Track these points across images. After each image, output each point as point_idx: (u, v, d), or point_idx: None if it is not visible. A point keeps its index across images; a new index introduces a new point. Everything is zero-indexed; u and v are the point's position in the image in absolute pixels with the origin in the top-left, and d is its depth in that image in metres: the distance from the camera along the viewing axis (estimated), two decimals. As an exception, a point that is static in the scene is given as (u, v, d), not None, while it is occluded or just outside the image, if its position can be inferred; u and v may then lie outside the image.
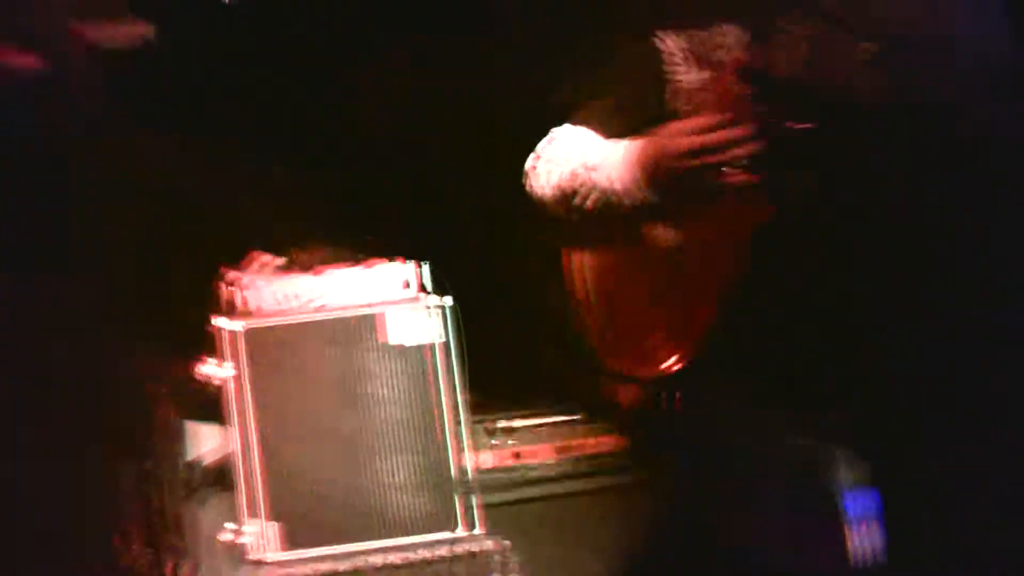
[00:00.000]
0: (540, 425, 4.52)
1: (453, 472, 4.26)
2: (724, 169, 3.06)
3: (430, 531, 4.23)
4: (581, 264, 3.42)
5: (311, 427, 4.26)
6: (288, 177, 4.59)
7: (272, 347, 4.28)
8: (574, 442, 4.51)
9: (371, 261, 4.38)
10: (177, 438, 4.28)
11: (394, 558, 4.19)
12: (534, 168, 3.44)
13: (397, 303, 4.34)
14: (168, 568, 4.08)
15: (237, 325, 4.26)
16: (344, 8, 4.65)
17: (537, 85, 4.01)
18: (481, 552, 4.20)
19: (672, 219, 3.19)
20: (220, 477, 4.29)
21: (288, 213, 4.56)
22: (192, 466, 4.35)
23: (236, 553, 4.20)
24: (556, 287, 3.43)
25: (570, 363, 3.84)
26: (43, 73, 1.95)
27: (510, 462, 4.48)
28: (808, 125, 3.00)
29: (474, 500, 4.26)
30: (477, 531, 4.24)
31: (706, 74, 3.22)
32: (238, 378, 4.23)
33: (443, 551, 4.20)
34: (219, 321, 4.26)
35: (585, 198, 3.24)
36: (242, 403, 4.22)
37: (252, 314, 4.29)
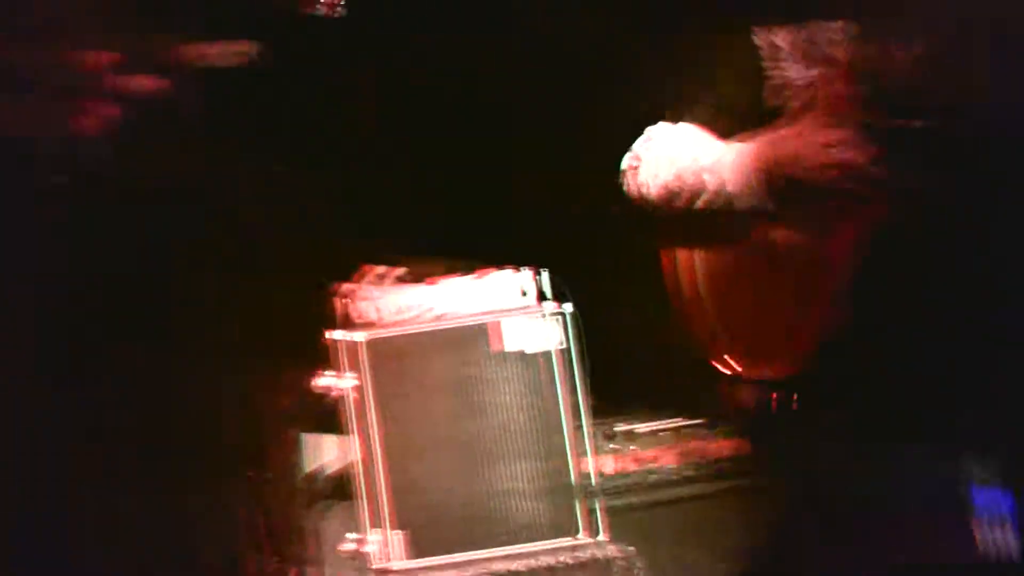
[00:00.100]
0: (661, 430, 4.50)
1: (575, 478, 4.25)
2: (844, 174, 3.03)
3: (553, 537, 4.23)
4: (687, 265, 3.40)
5: (432, 436, 4.28)
6: (401, 187, 4.62)
7: (393, 357, 4.31)
8: (695, 446, 4.47)
9: (488, 270, 4.40)
10: (296, 450, 4.31)
11: (517, 565, 4.19)
12: (633, 168, 3.41)
13: (515, 311, 4.35)
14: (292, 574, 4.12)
15: (359, 336, 4.30)
16: (439, 14, 4.66)
17: (633, 82, 4.00)
18: (604, 558, 4.20)
19: (786, 220, 3.16)
20: (341, 487, 4.32)
21: (402, 224, 4.58)
22: (313, 477, 4.39)
23: (360, 563, 4.23)
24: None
25: (690, 367, 3.82)
26: (160, 96, 1.98)
27: (631, 467, 4.46)
28: (923, 123, 2.97)
29: (597, 506, 4.25)
30: (600, 537, 4.23)
31: (813, 71, 3.19)
32: (360, 388, 4.27)
33: (566, 557, 4.20)
34: (337, 333, 4.30)
35: (694, 199, 3.22)
36: (364, 413, 4.26)
37: (371, 325, 4.32)
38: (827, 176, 3.00)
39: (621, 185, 3.44)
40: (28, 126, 2.01)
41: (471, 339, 4.33)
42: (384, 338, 4.31)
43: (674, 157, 3.29)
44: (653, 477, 4.46)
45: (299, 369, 4.28)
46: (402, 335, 4.32)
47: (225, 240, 2.27)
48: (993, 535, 3.05)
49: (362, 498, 4.21)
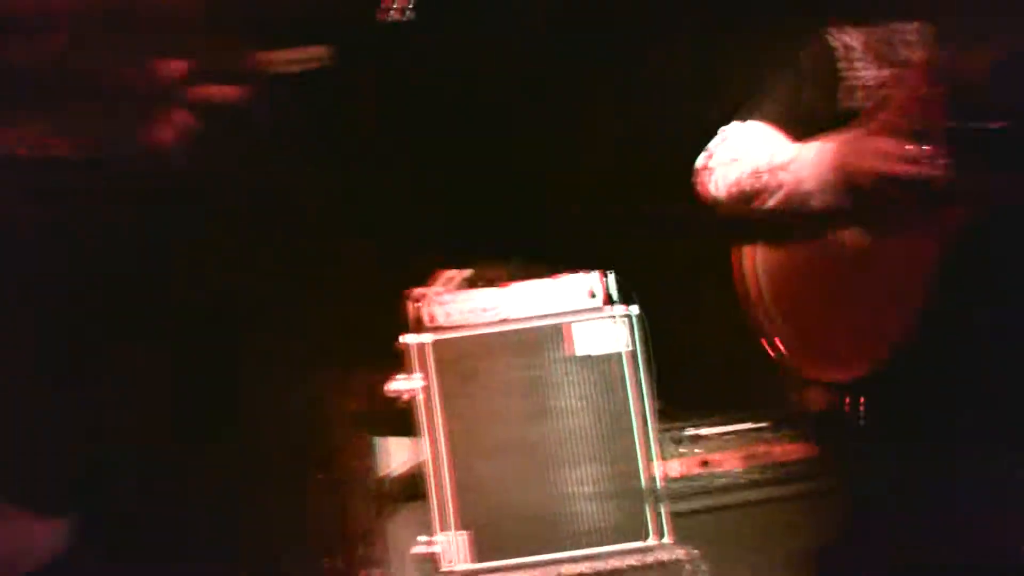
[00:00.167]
0: (727, 433, 4.49)
1: (642, 481, 4.25)
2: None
3: (619, 541, 4.23)
4: (755, 266, 3.38)
5: (499, 438, 4.29)
6: (469, 192, 4.63)
7: (460, 359, 4.32)
8: (761, 449, 4.46)
9: (556, 273, 4.40)
10: (368, 453, 4.33)
11: (583, 568, 4.19)
12: (706, 167, 3.40)
13: (583, 313, 4.35)
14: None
15: (426, 337, 4.32)
16: (517, 17, 4.67)
17: (706, 84, 3.99)
18: (670, 561, 4.19)
19: (859, 220, 3.15)
20: (410, 489, 4.34)
21: (471, 228, 4.60)
22: (383, 480, 4.41)
23: (427, 564, 4.24)
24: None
25: (757, 369, 3.80)
26: (241, 105, 2.00)
27: (697, 470, 4.45)
28: (999, 125, 2.95)
29: (663, 509, 4.25)
30: (666, 540, 4.23)
31: (886, 72, 3.17)
32: (427, 389, 4.29)
33: (633, 560, 4.20)
34: (408, 337, 4.32)
35: (768, 197, 3.20)
36: (432, 414, 4.27)
37: (439, 328, 4.34)
38: (902, 177, 2.98)
39: (693, 185, 3.44)
40: (108, 135, 2.03)
41: (539, 341, 4.33)
42: (451, 340, 4.33)
43: (749, 156, 3.27)
44: (719, 480, 4.45)
45: (372, 373, 4.30)
46: (470, 337, 4.34)
47: (298, 246, 2.29)
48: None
49: (432, 500, 4.23)
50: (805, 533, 4.20)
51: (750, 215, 3.26)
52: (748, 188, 3.24)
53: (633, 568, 4.19)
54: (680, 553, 4.20)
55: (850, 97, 3.20)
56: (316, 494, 3.79)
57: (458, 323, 4.35)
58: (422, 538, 4.21)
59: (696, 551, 4.20)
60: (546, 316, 4.35)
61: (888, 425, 3.22)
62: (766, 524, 4.39)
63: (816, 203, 3.14)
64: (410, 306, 4.34)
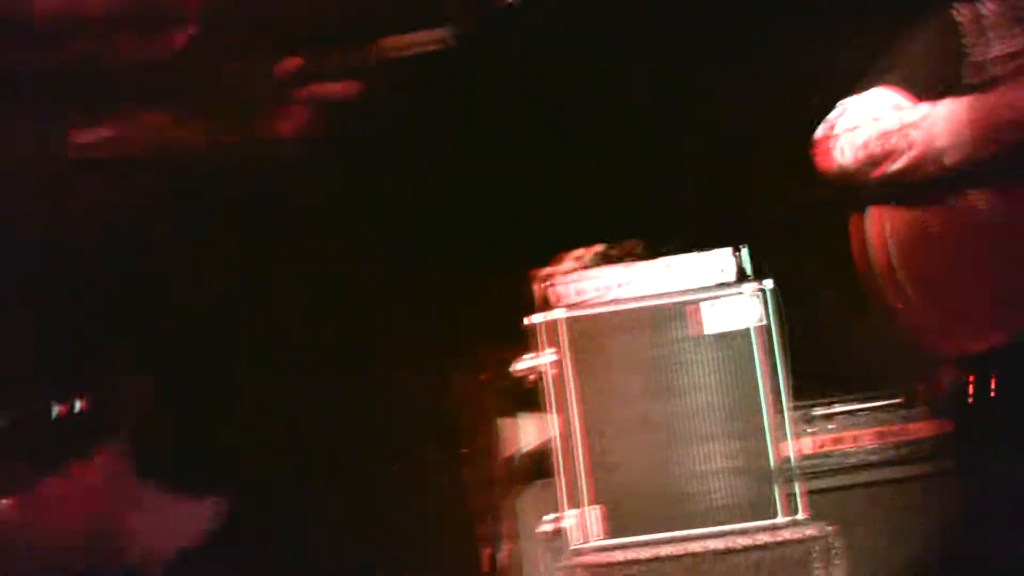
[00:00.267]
0: (858, 410, 4.47)
1: (774, 459, 4.23)
2: None
3: (750, 518, 4.22)
4: (884, 233, 3.31)
5: (629, 415, 4.29)
6: (598, 170, 4.64)
7: (591, 336, 4.33)
8: (893, 428, 4.43)
9: (688, 249, 4.39)
10: (498, 430, 4.36)
11: (715, 545, 4.18)
12: (829, 136, 3.34)
13: (715, 289, 4.35)
14: (489, 554, 4.17)
15: (559, 313, 4.35)
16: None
17: (827, 59, 3.96)
18: (802, 538, 4.17)
19: (992, 181, 3.10)
20: (540, 466, 4.36)
21: (600, 205, 4.61)
22: (513, 456, 4.44)
23: (557, 540, 4.27)
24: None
25: (888, 345, 3.77)
26: (360, 98, 2.03)
27: (828, 448, 4.43)
28: None
29: (796, 487, 4.23)
30: (800, 517, 4.21)
31: (1021, 38, 3.12)
32: (559, 364, 4.31)
33: (764, 538, 4.18)
34: (536, 316, 4.36)
35: (898, 158, 3.15)
36: (563, 391, 4.30)
37: (570, 306, 4.37)
38: None
39: (815, 156, 3.39)
40: (234, 131, 2.08)
41: (669, 319, 4.33)
42: (583, 316, 4.34)
43: (876, 117, 3.21)
44: (851, 459, 4.43)
45: (500, 352, 4.33)
46: (602, 314, 4.35)
47: (427, 228, 2.32)
48: None
49: (560, 476, 4.26)
50: (937, 513, 4.17)
51: (875, 179, 3.21)
52: (878, 151, 3.18)
53: (764, 546, 4.18)
54: (812, 531, 4.17)
55: (977, 74, 3.16)
56: (448, 471, 3.83)
57: (587, 301, 4.37)
58: (551, 515, 4.24)
59: (829, 528, 4.18)
60: (677, 292, 4.35)
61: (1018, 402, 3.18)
62: (898, 503, 4.36)
63: (950, 161, 3.09)
64: (537, 285, 4.36)
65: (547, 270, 4.40)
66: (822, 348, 4.50)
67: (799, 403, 4.36)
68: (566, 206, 4.64)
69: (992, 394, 3.21)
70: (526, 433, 4.51)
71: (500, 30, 4.23)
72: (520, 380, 4.35)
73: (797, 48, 4.49)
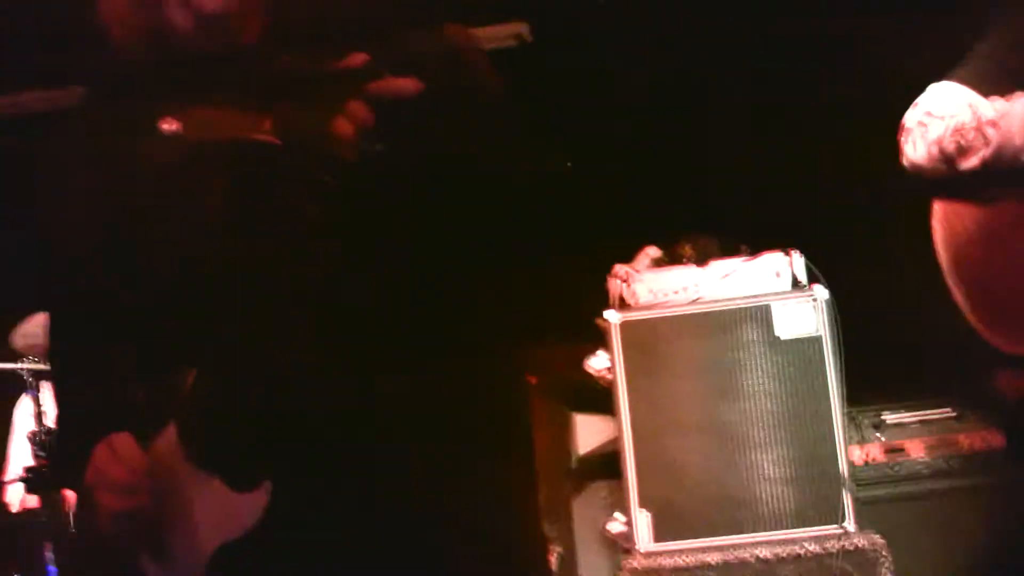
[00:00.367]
0: (913, 420, 4.44)
1: (840, 466, 4.19)
2: None
3: (802, 526, 4.18)
4: (954, 230, 3.26)
5: (686, 419, 4.26)
6: (672, 170, 4.63)
7: (648, 340, 4.31)
8: (948, 438, 4.41)
9: (753, 253, 4.37)
10: (561, 431, 4.35)
11: (765, 552, 4.15)
12: (904, 128, 3.29)
13: (777, 296, 4.31)
14: (547, 556, 4.15)
15: (615, 317, 4.34)
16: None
17: (896, 55, 3.94)
18: (853, 547, 4.14)
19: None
20: (598, 468, 4.35)
21: (674, 206, 4.60)
22: (571, 458, 4.43)
23: (619, 543, 4.25)
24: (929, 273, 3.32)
25: (947, 354, 3.74)
26: (428, 93, 2.01)
27: (882, 458, 4.41)
28: None
29: (848, 495, 4.20)
30: (850, 526, 4.19)
31: None
32: (612, 369, 4.29)
33: (815, 547, 4.15)
34: (610, 314, 4.34)
35: (973, 155, 3.10)
36: (617, 394, 4.28)
37: (632, 307, 4.35)
38: None
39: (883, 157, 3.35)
40: (300, 130, 2.06)
41: (730, 323, 4.30)
42: (638, 320, 4.32)
43: (952, 113, 3.17)
44: (904, 469, 4.40)
45: (572, 350, 4.31)
46: (659, 318, 4.32)
47: (502, 224, 2.30)
48: None
49: (625, 479, 4.23)
50: (989, 527, 4.14)
51: (949, 177, 3.16)
52: (951, 147, 3.12)
53: (816, 554, 4.15)
54: (864, 540, 4.15)
55: None
56: (506, 472, 3.81)
57: (651, 302, 4.34)
58: (618, 515, 4.21)
59: (880, 539, 4.15)
60: (739, 298, 4.32)
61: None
62: (948, 514, 4.33)
63: None
64: (613, 283, 4.34)
65: (623, 268, 4.37)
66: (875, 355, 4.45)
67: (853, 411, 4.33)
68: (643, 204, 4.62)
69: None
70: (589, 434, 4.49)
71: (586, 27, 4.22)
72: (586, 381, 4.33)
73: (876, 44, 4.47)
